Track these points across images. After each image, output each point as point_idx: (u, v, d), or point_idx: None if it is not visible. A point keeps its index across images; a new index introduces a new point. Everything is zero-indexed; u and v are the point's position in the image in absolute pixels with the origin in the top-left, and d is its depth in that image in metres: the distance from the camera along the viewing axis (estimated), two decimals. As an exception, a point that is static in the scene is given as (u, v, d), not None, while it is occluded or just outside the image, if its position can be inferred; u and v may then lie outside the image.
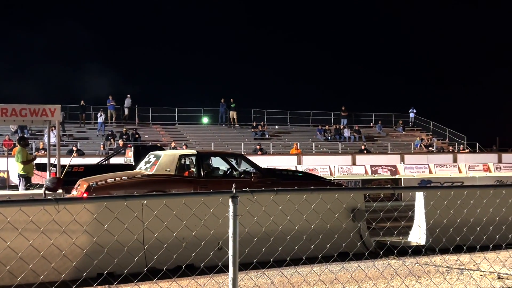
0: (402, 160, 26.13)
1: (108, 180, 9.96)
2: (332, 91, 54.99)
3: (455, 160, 27.01)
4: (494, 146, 36.19)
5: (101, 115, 30.25)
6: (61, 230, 5.23)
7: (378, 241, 7.75)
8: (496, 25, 60.13)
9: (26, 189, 11.96)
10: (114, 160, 18.28)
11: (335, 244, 5.97)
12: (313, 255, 5.78)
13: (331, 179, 15.92)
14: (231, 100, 34.14)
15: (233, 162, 11.30)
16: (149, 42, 58.72)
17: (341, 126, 34.56)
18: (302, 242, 5.90)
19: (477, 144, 34.69)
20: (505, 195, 7.14)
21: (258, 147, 26.95)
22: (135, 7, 57.39)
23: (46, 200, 4.84)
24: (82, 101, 31.65)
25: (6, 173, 17.39)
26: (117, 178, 10.06)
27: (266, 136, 32.47)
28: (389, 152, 29.86)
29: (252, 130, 33.02)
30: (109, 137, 27.92)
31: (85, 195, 9.44)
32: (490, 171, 23.89)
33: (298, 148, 26.72)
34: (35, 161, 13.19)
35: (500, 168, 24.64)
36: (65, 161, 12.70)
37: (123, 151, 18.42)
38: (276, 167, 15.75)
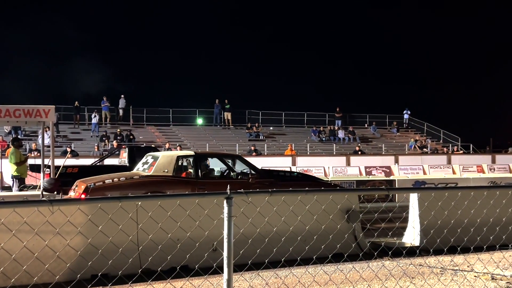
0: (396, 161, 26.16)
1: (106, 181, 9.93)
2: (326, 93, 55.19)
3: (449, 161, 27.07)
4: (488, 147, 36.35)
5: (95, 116, 30.13)
6: (55, 231, 5.21)
7: (373, 242, 7.77)
8: (490, 27, 60.47)
9: (20, 190, 11.91)
10: (108, 161, 18.25)
11: (330, 245, 5.97)
12: (308, 256, 5.79)
13: (327, 180, 15.94)
14: (226, 101, 34.12)
15: (231, 163, 11.29)
16: (143, 42, 58.76)
17: (336, 127, 34.58)
18: (297, 243, 5.91)
19: (471, 145, 34.83)
20: (498, 196, 7.16)
21: (252, 148, 26.91)
22: (129, 8, 57.35)
23: (40, 201, 4.81)
24: (76, 102, 31.52)
25: (-1, 174, 17.30)
26: (115, 179, 10.04)
27: (261, 137, 32.46)
28: (383, 153, 29.90)
29: (247, 131, 33.01)
30: (103, 138, 27.80)
31: (83, 196, 9.41)
32: (484, 172, 23.93)
33: (293, 149, 26.71)
34: (28, 162, 13.14)
35: (494, 169, 24.69)
36: (59, 162, 12.66)
37: (117, 152, 18.37)
38: (272, 168, 15.72)
